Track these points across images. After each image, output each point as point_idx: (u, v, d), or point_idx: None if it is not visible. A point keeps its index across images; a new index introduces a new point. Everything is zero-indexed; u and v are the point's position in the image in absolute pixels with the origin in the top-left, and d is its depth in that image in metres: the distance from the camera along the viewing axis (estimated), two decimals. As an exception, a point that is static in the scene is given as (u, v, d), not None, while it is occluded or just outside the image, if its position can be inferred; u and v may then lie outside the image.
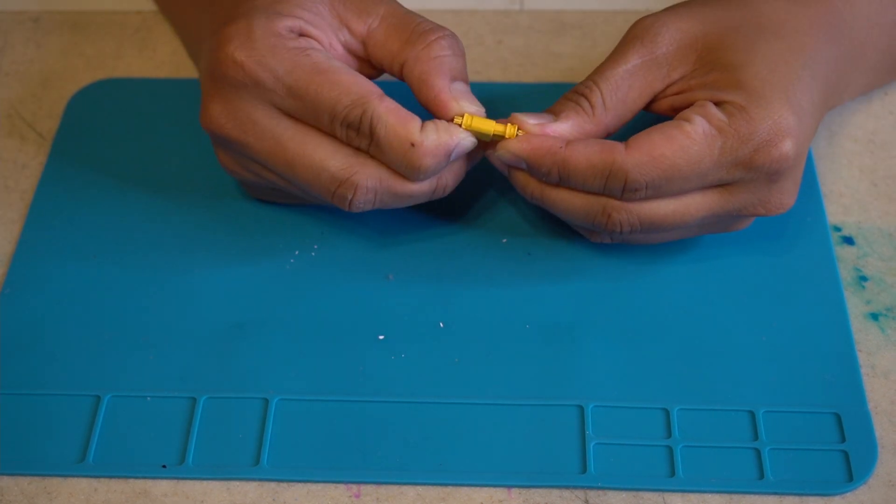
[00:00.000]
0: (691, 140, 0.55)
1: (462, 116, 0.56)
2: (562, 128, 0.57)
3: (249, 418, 0.57)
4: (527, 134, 0.57)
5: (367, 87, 0.55)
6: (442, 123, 0.56)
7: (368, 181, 0.56)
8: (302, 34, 0.57)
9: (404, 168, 0.56)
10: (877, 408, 0.57)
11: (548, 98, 0.68)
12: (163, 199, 0.65)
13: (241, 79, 0.56)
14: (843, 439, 0.55)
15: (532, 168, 0.57)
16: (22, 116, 0.70)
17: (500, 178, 0.65)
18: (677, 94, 0.58)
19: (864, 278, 0.62)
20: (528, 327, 0.60)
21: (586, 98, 0.57)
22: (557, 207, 0.58)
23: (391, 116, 0.55)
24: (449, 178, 0.58)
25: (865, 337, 0.60)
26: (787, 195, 0.57)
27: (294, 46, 0.56)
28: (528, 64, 0.72)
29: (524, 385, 0.58)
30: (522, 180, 0.58)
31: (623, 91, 0.57)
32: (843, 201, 0.65)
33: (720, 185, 0.56)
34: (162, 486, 0.55)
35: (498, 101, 0.68)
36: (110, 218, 0.65)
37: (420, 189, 0.57)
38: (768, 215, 0.58)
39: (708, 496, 0.54)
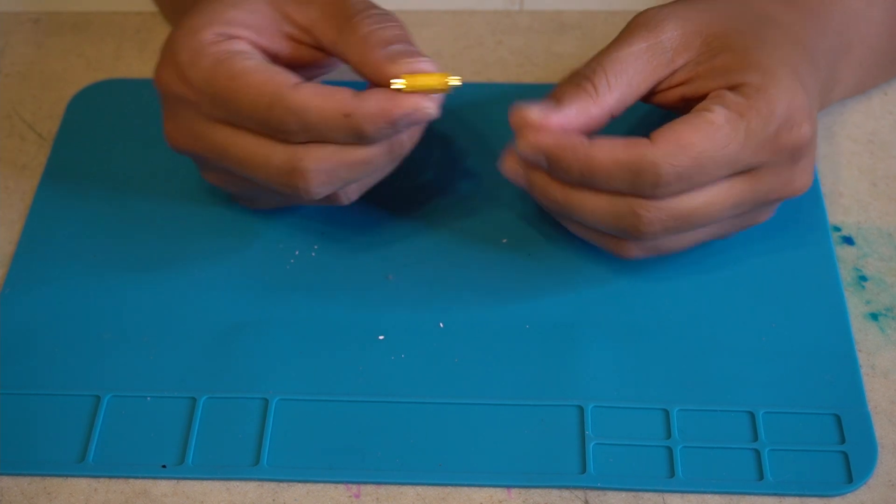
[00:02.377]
0: (716, 126, 0.54)
1: (401, 80, 0.54)
2: (567, 113, 0.55)
3: (249, 418, 0.57)
4: (545, 128, 0.55)
5: (278, 81, 0.54)
6: (383, 91, 0.54)
7: (316, 163, 0.55)
8: (231, 37, 0.57)
9: (350, 139, 0.54)
10: (876, 408, 0.57)
11: (548, 98, 0.69)
12: (163, 200, 0.65)
13: (171, 95, 0.57)
14: (843, 440, 0.55)
15: (553, 164, 0.55)
16: (22, 117, 0.71)
17: (501, 178, 0.65)
18: (684, 83, 0.58)
19: (863, 278, 0.62)
20: (527, 327, 0.60)
21: (589, 80, 0.56)
22: (583, 211, 0.56)
23: (314, 99, 0.54)
24: (404, 138, 0.56)
25: (865, 337, 0.60)
26: (807, 174, 0.57)
27: (214, 53, 0.56)
28: (527, 64, 0.72)
29: (524, 385, 0.58)
30: (542, 183, 0.57)
31: (628, 74, 0.56)
32: (842, 201, 0.65)
33: (747, 172, 0.56)
34: (162, 486, 0.55)
35: (498, 101, 0.68)
36: (110, 218, 0.65)
37: (374, 153, 0.56)
38: (792, 196, 0.57)
39: (707, 497, 0.54)
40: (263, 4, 0.58)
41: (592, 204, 0.56)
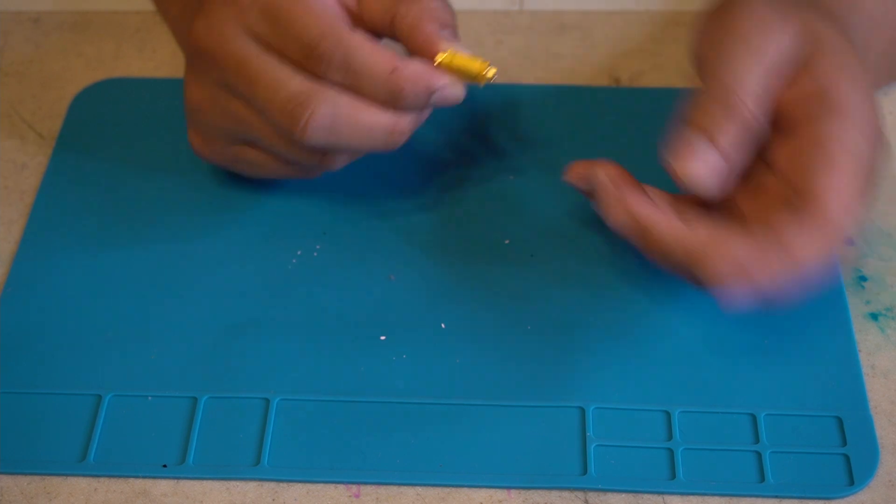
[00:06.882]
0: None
1: (445, 53, 0.57)
2: (723, 148, 0.53)
3: (250, 418, 0.57)
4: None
5: (338, 18, 0.57)
6: (426, 63, 0.57)
7: (326, 103, 0.56)
8: None
9: (384, 94, 0.56)
10: (876, 408, 0.57)
11: (548, 99, 0.69)
12: (165, 200, 0.65)
13: None
14: (845, 443, 0.55)
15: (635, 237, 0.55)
16: (21, 116, 0.71)
17: (503, 179, 0.65)
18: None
19: (863, 278, 0.62)
20: (529, 328, 0.59)
21: (733, 93, 0.53)
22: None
23: (367, 44, 0.56)
24: (404, 127, 0.58)
25: (865, 337, 0.60)
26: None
27: None
28: (528, 64, 0.72)
29: (525, 386, 0.58)
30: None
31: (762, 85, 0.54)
32: (842, 202, 0.65)
33: None
34: (162, 486, 0.55)
35: (498, 101, 0.68)
36: (112, 218, 0.65)
37: (380, 124, 0.57)
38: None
39: (708, 499, 0.54)
40: None
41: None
